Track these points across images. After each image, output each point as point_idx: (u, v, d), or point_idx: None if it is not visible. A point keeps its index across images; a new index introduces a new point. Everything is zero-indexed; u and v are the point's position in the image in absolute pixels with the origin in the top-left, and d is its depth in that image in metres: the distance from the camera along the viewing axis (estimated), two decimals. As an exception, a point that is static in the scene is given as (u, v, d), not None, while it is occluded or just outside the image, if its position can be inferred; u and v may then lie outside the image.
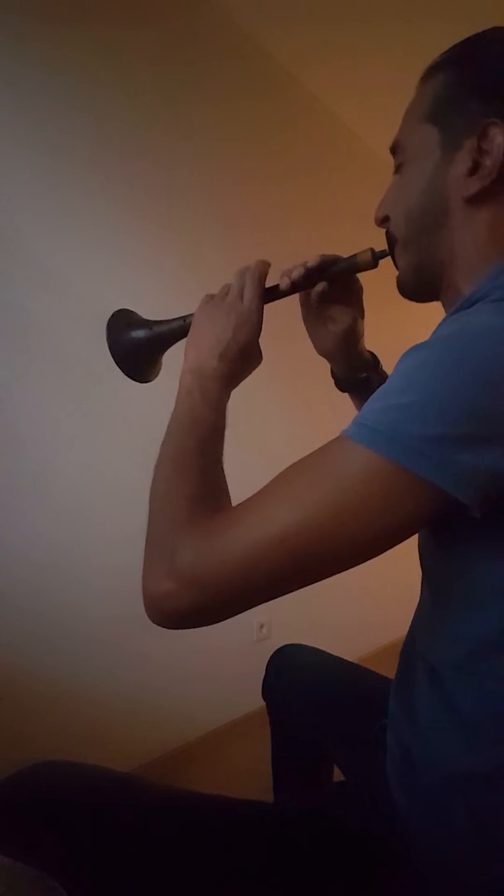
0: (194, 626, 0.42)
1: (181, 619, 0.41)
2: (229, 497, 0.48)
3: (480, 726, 0.43)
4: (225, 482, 0.49)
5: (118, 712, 1.26)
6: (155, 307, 1.35)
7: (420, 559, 0.53)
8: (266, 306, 0.61)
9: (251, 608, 0.41)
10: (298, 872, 0.47)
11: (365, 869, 0.48)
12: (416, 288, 0.56)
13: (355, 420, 0.39)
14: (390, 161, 0.57)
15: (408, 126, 0.54)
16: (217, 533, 0.40)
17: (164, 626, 0.42)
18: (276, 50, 1.75)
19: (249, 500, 0.41)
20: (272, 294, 0.62)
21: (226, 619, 0.41)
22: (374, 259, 0.61)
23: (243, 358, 0.58)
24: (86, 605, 1.21)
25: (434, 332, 0.46)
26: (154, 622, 0.42)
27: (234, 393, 0.58)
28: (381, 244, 0.59)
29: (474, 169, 0.47)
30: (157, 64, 1.42)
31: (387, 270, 0.61)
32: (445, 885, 0.45)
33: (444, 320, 0.48)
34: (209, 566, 0.39)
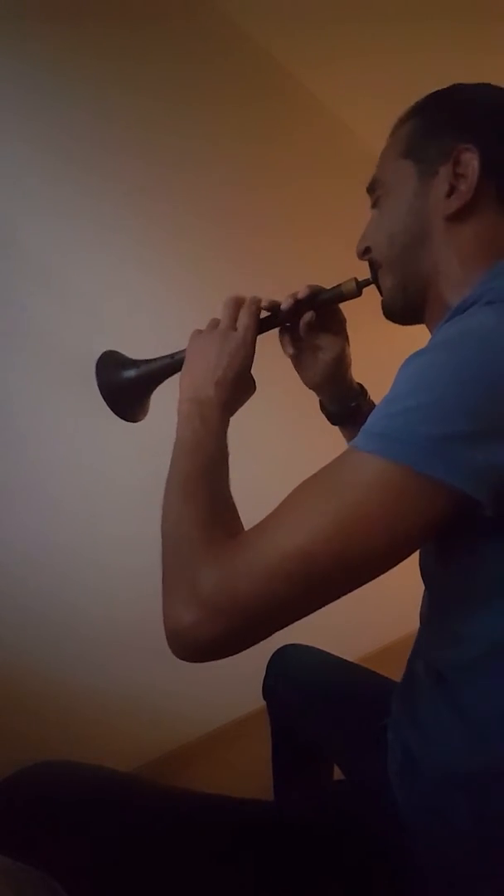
0: (222, 656, 0.40)
1: (209, 650, 0.40)
2: (240, 521, 0.48)
3: (485, 727, 0.43)
4: (234, 506, 0.49)
5: (118, 712, 1.26)
6: (155, 307, 1.36)
7: (421, 568, 0.52)
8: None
9: (277, 630, 0.40)
10: (299, 872, 0.47)
11: (365, 868, 0.48)
12: (403, 308, 0.57)
13: (363, 430, 0.39)
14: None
15: (384, 165, 0.57)
16: (236, 557, 0.40)
17: (190, 660, 0.40)
18: (278, 51, 1.75)
19: (265, 520, 0.41)
20: (263, 324, 0.64)
21: (252, 645, 0.40)
22: (358, 288, 0.63)
23: (238, 385, 0.58)
24: (86, 605, 1.21)
25: (431, 339, 0.46)
26: (180, 657, 0.41)
27: (233, 418, 0.59)
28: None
29: (451, 191, 0.50)
30: (157, 64, 1.42)
31: (367, 300, 0.62)
32: (446, 885, 0.45)
33: (439, 327, 0.49)
34: (233, 591, 0.38)
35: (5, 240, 1.12)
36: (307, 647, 0.87)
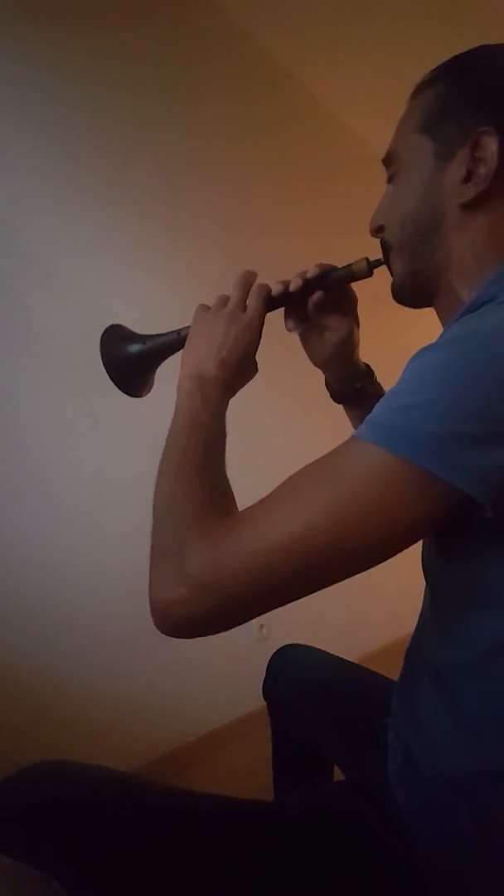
0: (205, 634, 0.40)
1: (192, 627, 0.40)
2: (235, 501, 0.47)
3: (485, 727, 0.43)
4: (230, 487, 0.49)
5: (118, 712, 1.26)
6: (155, 307, 1.35)
7: (423, 566, 0.52)
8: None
9: (264, 613, 0.40)
10: (299, 872, 0.47)
11: (365, 868, 0.48)
12: (412, 293, 0.56)
13: (367, 420, 0.39)
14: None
15: (401, 137, 0.55)
16: (228, 537, 0.39)
17: (173, 636, 0.41)
18: (278, 51, 1.75)
19: (261, 502, 0.41)
20: (271, 303, 0.63)
21: (237, 625, 0.40)
22: (370, 268, 0.62)
23: (241, 366, 0.58)
24: (86, 606, 1.21)
25: (442, 336, 0.46)
26: (163, 632, 0.41)
27: (233, 400, 0.58)
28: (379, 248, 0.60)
29: (468, 177, 0.48)
30: (158, 65, 1.42)
31: (381, 281, 0.61)
32: (446, 885, 0.45)
33: (450, 325, 0.48)
34: (222, 570, 0.38)
35: (6, 239, 1.12)
36: (307, 647, 0.87)
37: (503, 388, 0.35)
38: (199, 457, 0.49)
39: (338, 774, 0.79)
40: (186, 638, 0.41)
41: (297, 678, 0.82)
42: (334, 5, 1.59)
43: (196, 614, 0.39)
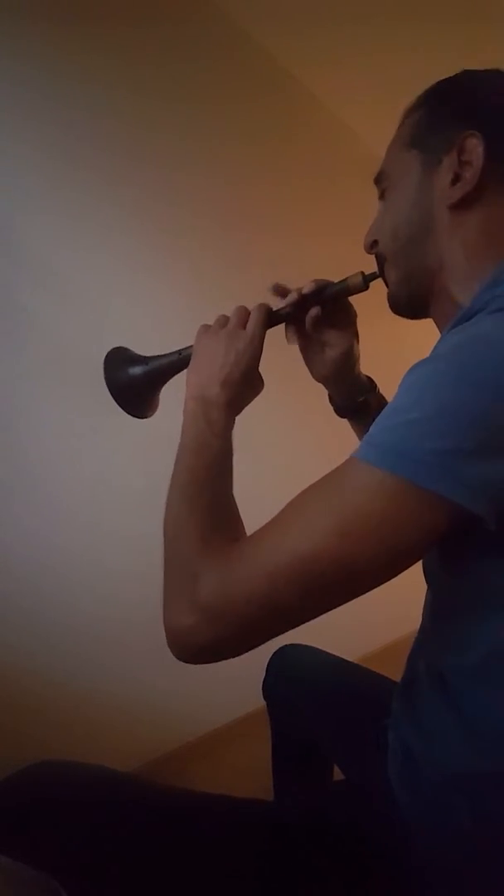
0: (218, 660, 0.41)
1: (207, 653, 0.40)
2: (242, 525, 0.48)
3: (486, 729, 0.43)
4: (237, 510, 0.49)
5: (118, 712, 1.25)
6: (155, 307, 1.35)
7: (424, 569, 0.52)
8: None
9: (275, 636, 0.40)
10: (299, 872, 0.47)
11: (365, 868, 0.48)
12: (409, 301, 0.57)
13: (365, 440, 0.39)
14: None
15: (391, 156, 0.57)
16: (236, 563, 0.40)
17: (187, 661, 0.41)
18: (278, 51, 1.75)
19: (265, 527, 0.41)
20: (270, 320, 0.63)
21: (248, 650, 0.40)
22: (365, 282, 0.62)
23: (245, 384, 0.58)
24: (87, 606, 1.21)
25: (435, 348, 0.46)
26: (178, 658, 0.42)
27: (239, 416, 0.58)
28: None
29: (456, 179, 0.49)
30: (158, 65, 1.42)
31: (379, 294, 0.61)
32: (446, 885, 0.45)
33: (443, 336, 0.49)
34: (231, 597, 0.38)
35: (6, 240, 1.12)
36: (307, 647, 0.87)
37: (498, 399, 0.34)
38: (207, 479, 0.49)
39: (338, 774, 0.79)
40: (203, 663, 0.41)
41: (296, 678, 0.82)
42: (334, 5, 1.59)
43: (209, 640, 0.39)
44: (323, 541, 0.37)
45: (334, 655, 0.84)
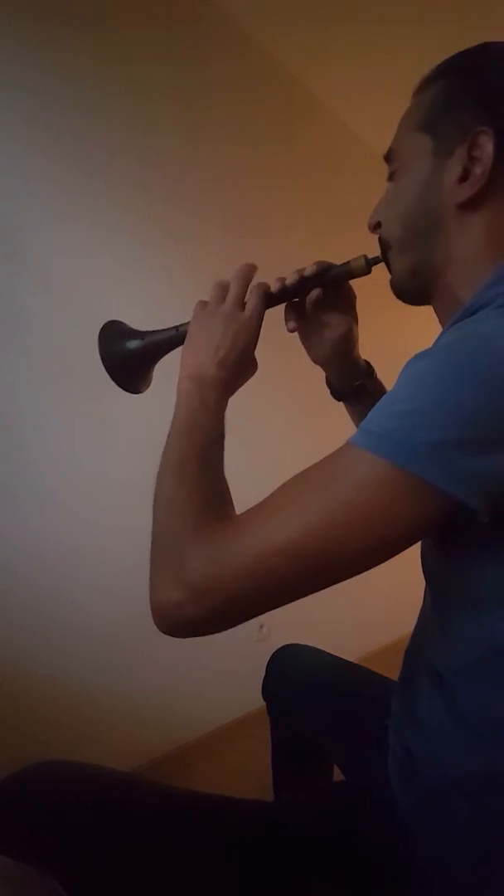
0: (203, 634, 0.41)
1: (190, 628, 0.41)
2: (233, 504, 0.48)
3: (485, 728, 0.43)
4: (228, 489, 0.49)
5: (118, 712, 1.26)
6: (155, 308, 1.35)
7: (423, 567, 0.53)
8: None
9: (260, 614, 0.40)
10: (299, 872, 0.47)
11: (365, 869, 0.48)
12: (413, 290, 0.57)
13: (362, 427, 0.39)
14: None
15: (402, 134, 0.55)
16: (226, 540, 0.40)
17: (173, 636, 0.42)
18: (278, 51, 1.75)
19: (257, 507, 0.41)
20: (270, 301, 0.63)
21: (234, 626, 0.41)
22: (368, 265, 0.62)
23: (240, 365, 0.58)
24: (87, 606, 1.21)
25: (437, 341, 0.46)
26: (163, 632, 0.42)
27: (233, 398, 0.58)
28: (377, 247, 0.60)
29: (465, 176, 0.49)
30: (158, 65, 1.42)
31: (381, 278, 0.61)
32: (446, 885, 0.45)
33: (446, 330, 0.48)
34: (219, 573, 0.39)
35: (6, 239, 1.12)
36: (307, 647, 0.87)
37: (497, 394, 0.35)
38: (198, 458, 0.49)
39: (337, 774, 0.79)
40: (185, 637, 0.42)
41: (296, 678, 0.82)
42: (334, 5, 1.59)
43: (195, 616, 0.40)
44: (313, 523, 0.37)
45: (334, 655, 0.84)
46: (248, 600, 0.39)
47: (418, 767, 0.48)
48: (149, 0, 1.40)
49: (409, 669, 0.54)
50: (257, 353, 0.60)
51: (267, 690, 0.86)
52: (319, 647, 0.87)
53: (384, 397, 0.40)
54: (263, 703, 0.87)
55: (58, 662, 1.16)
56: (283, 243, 1.73)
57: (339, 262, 0.64)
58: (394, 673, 0.57)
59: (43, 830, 0.45)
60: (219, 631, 0.41)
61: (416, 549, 0.54)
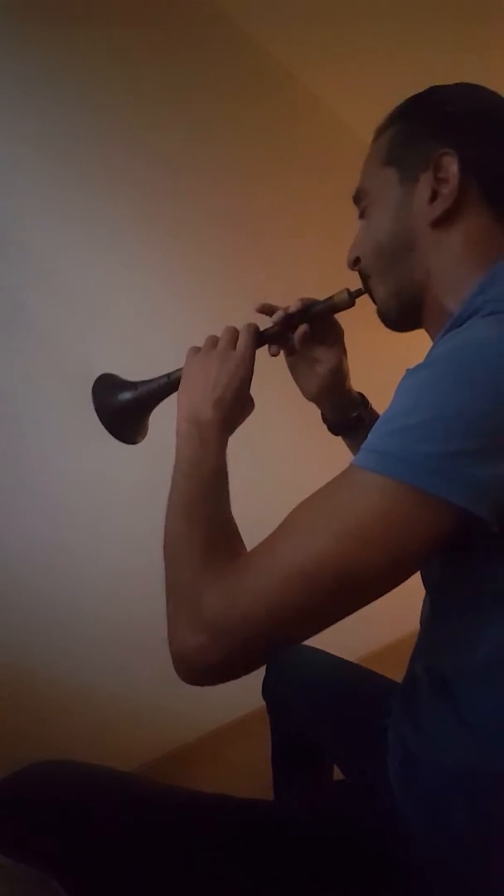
0: (227, 679, 0.40)
1: (214, 673, 0.40)
2: (242, 541, 0.47)
3: (486, 729, 0.43)
4: (236, 527, 0.49)
5: (118, 712, 1.25)
6: (155, 307, 1.36)
7: (422, 574, 0.52)
8: None
9: (282, 649, 0.40)
10: (299, 872, 0.47)
11: (365, 868, 0.48)
12: (399, 315, 0.57)
13: (364, 447, 0.39)
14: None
15: (367, 174, 0.58)
16: (239, 577, 0.39)
17: (197, 684, 0.41)
18: (278, 51, 1.75)
19: (267, 541, 0.41)
20: (260, 339, 0.64)
21: (257, 666, 0.40)
22: (351, 298, 0.63)
23: (237, 404, 0.58)
24: (87, 606, 1.21)
25: (430, 353, 0.46)
26: (187, 682, 0.41)
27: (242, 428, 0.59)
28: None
29: (434, 196, 0.51)
30: (158, 65, 1.42)
31: (367, 308, 0.62)
32: (446, 886, 0.45)
33: (437, 342, 0.49)
34: (236, 611, 0.38)
35: (6, 240, 1.12)
36: (307, 646, 0.87)
37: (496, 400, 0.34)
38: (203, 501, 0.49)
39: (337, 774, 0.79)
40: (211, 684, 0.40)
41: (296, 678, 0.82)
42: (334, 5, 1.59)
43: (216, 659, 0.38)
44: (325, 549, 0.36)
45: (334, 655, 0.84)
46: (268, 635, 0.38)
47: (418, 768, 0.48)
48: (149, 0, 1.40)
49: (412, 672, 0.54)
50: (257, 383, 0.61)
51: (267, 690, 0.86)
52: (319, 647, 0.87)
53: (383, 415, 0.40)
54: (263, 703, 0.87)
55: (58, 662, 1.16)
56: (282, 243, 1.73)
57: (338, 264, 0.65)
58: (394, 673, 0.57)
59: (43, 830, 0.45)
60: (243, 674, 0.40)
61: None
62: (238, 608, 0.38)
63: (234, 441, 0.56)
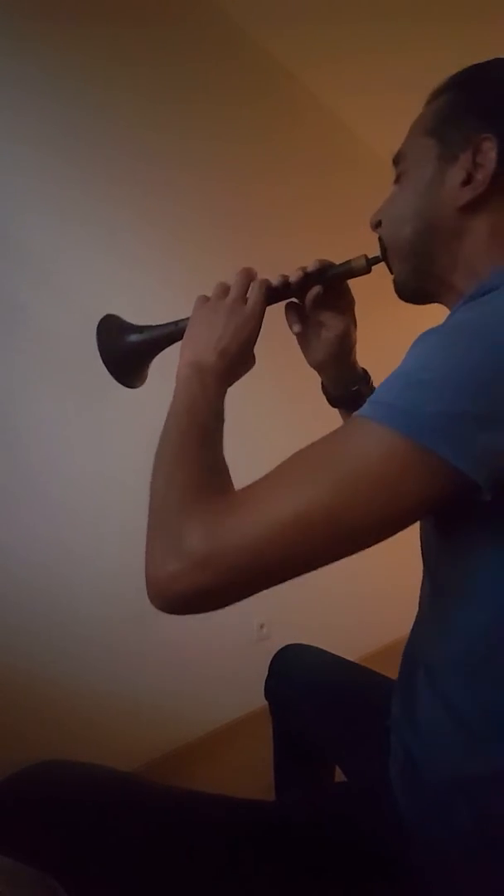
0: (199, 611, 0.40)
1: (187, 603, 0.39)
2: (232, 481, 0.47)
3: (481, 728, 0.43)
4: (227, 468, 0.49)
5: (118, 712, 1.25)
6: (154, 307, 1.35)
7: (422, 551, 0.53)
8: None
9: (258, 591, 0.39)
10: (299, 873, 0.47)
11: (366, 870, 0.47)
12: (415, 292, 0.57)
13: (370, 400, 0.39)
14: (391, 161, 0.58)
15: (411, 139, 0.56)
16: (228, 512, 0.39)
17: (167, 611, 0.40)
18: (278, 51, 1.75)
19: (263, 479, 0.40)
20: (271, 297, 0.63)
21: (231, 602, 0.39)
22: (368, 264, 0.62)
23: (240, 357, 0.58)
24: (87, 606, 1.21)
25: (447, 319, 0.46)
26: (157, 607, 0.40)
27: (232, 395, 0.58)
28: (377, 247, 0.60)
29: (468, 180, 0.50)
30: (158, 65, 1.42)
31: (383, 280, 0.62)
32: (447, 886, 0.45)
33: (455, 309, 0.49)
34: (221, 545, 0.37)
35: (6, 239, 1.12)
36: (309, 647, 0.87)
37: None
38: (198, 439, 0.49)
39: (339, 775, 0.79)
40: (180, 613, 0.40)
41: (299, 678, 0.82)
42: (334, 5, 1.59)
43: (191, 589, 0.38)
44: (317, 495, 0.36)
45: (336, 655, 0.84)
46: (249, 573, 0.38)
47: (419, 769, 0.47)
48: (149, 0, 1.40)
49: (405, 668, 0.54)
50: (257, 348, 0.60)
51: (269, 690, 0.86)
52: (320, 646, 0.87)
53: (393, 372, 0.40)
54: (264, 703, 0.87)
55: (58, 662, 1.16)
56: (282, 243, 1.73)
57: (338, 260, 0.65)
58: (394, 673, 0.57)
59: (43, 830, 0.45)
60: (215, 608, 0.39)
61: (416, 548, 0.55)
62: (222, 541, 0.37)
63: (228, 434, 0.56)
